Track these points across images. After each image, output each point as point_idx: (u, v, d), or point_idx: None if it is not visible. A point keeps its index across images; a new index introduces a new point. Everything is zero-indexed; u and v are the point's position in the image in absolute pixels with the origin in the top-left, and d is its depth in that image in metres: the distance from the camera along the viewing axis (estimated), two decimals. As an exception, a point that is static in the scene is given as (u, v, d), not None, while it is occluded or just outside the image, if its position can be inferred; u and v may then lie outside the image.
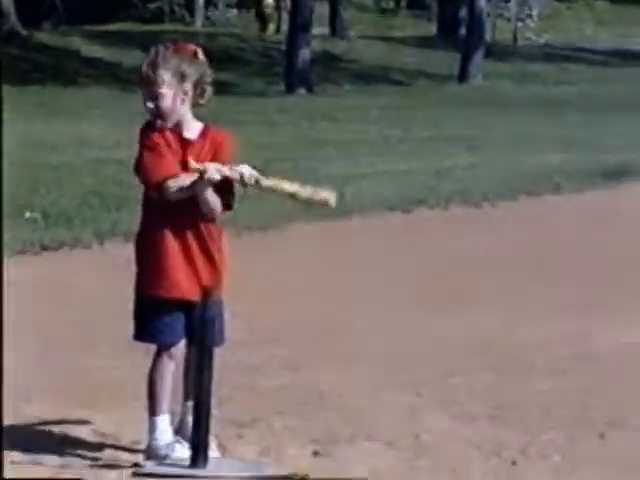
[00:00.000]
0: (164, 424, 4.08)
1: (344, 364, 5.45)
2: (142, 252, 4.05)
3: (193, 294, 4.02)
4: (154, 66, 3.95)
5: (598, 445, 4.43)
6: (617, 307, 6.70)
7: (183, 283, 4.00)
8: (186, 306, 4.03)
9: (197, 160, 3.97)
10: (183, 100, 3.98)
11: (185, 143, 4.02)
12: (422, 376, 5.27)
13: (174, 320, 4.03)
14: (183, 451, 4.04)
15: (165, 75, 3.95)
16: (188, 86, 3.98)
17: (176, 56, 3.98)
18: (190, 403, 4.12)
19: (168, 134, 4.01)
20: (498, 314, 6.48)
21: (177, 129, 4.01)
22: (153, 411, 4.08)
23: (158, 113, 3.98)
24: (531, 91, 22.82)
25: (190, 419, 4.09)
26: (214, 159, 3.99)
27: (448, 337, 5.97)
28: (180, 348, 4.08)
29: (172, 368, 4.07)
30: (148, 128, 4.01)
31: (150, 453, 4.07)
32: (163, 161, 3.96)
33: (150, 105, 3.97)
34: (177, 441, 4.09)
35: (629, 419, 4.73)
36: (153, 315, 4.02)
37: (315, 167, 11.98)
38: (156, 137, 3.99)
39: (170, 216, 4.00)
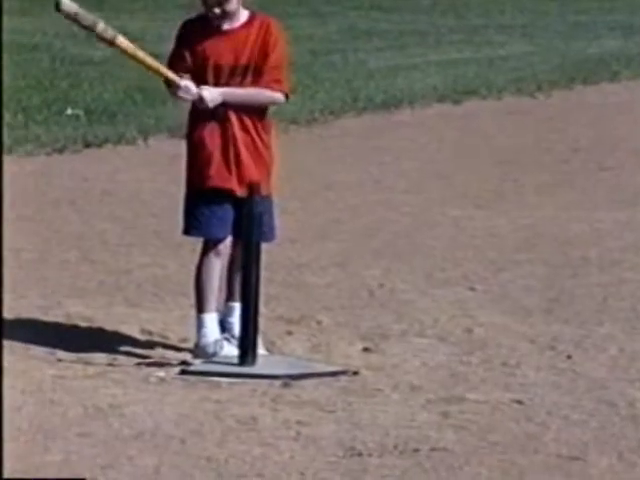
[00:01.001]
0: (212, 322, 4.04)
1: (393, 260, 5.36)
2: (189, 147, 4.04)
3: (237, 186, 3.96)
4: None
5: (655, 339, 4.32)
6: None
7: (226, 174, 3.95)
8: (233, 202, 3.97)
9: (237, 48, 3.91)
10: None
11: (223, 34, 3.95)
12: (473, 271, 5.17)
13: (221, 214, 3.99)
14: (231, 349, 4.00)
15: None
16: None
17: None
18: (233, 304, 4.07)
19: (203, 27, 3.97)
20: (548, 207, 6.35)
21: (220, 21, 3.94)
22: (200, 308, 4.04)
23: (224, 16, 3.93)
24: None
25: (232, 319, 4.05)
26: (262, 45, 3.93)
27: (498, 231, 5.85)
28: (227, 245, 4.02)
29: (219, 265, 4.03)
30: (184, 23, 4.00)
31: (198, 351, 4.04)
32: (173, 58, 3.99)
33: (217, 10, 3.91)
34: (225, 338, 4.05)
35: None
36: (200, 208, 3.98)
37: (364, 59, 11.76)
38: (183, 31, 3.99)
39: (212, 112, 3.95)
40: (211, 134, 3.95)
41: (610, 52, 12.01)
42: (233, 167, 3.96)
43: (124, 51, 3.91)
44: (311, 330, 4.39)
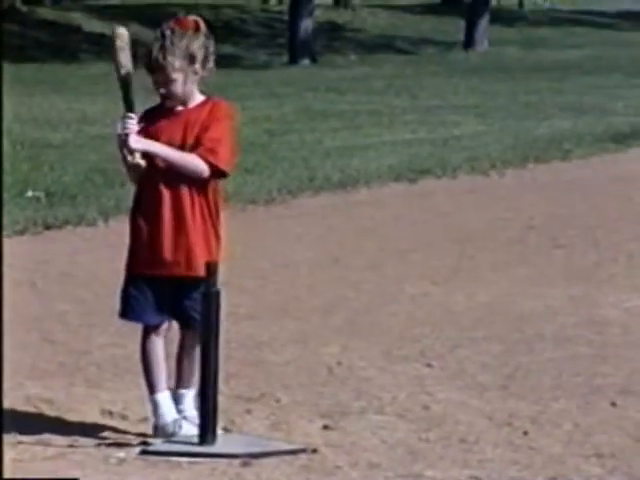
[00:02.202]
0: (166, 401, 4.05)
1: (351, 337, 5.41)
2: (132, 229, 4.06)
3: (184, 269, 3.97)
4: (164, 52, 3.93)
5: (610, 413, 4.39)
6: (621, 273, 6.65)
7: (173, 259, 3.97)
8: (176, 284, 3.99)
9: (187, 127, 3.96)
10: (193, 80, 3.99)
11: (175, 114, 4.01)
12: (430, 347, 5.23)
13: (158, 300, 4.00)
14: (190, 428, 4.01)
15: (176, 61, 3.94)
16: (197, 66, 3.98)
17: (183, 37, 3.95)
18: (182, 391, 4.09)
19: (160, 111, 4.03)
20: (504, 284, 6.44)
21: (173, 103, 4.01)
22: (152, 389, 4.06)
23: (170, 97, 4.00)
24: (538, 56, 22.69)
25: (182, 407, 4.06)
26: (205, 121, 3.96)
27: (454, 308, 5.93)
28: (166, 326, 4.05)
29: (162, 343, 4.06)
30: (145, 111, 4.05)
31: (157, 431, 4.05)
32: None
33: (162, 91, 3.98)
34: (184, 417, 4.06)
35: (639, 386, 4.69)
36: (135, 293, 4.01)
37: (320, 139, 11.92)
38: (143, 117, 4.02)
39: (145, 193, 4.00)
40: (155, 216, 3.95)
41: (561, 132, 12.26)
42: (181, 250, 3.96)
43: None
44: (270, 408, 4.41)
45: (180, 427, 4.03)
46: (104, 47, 24.21)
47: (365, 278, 6.60)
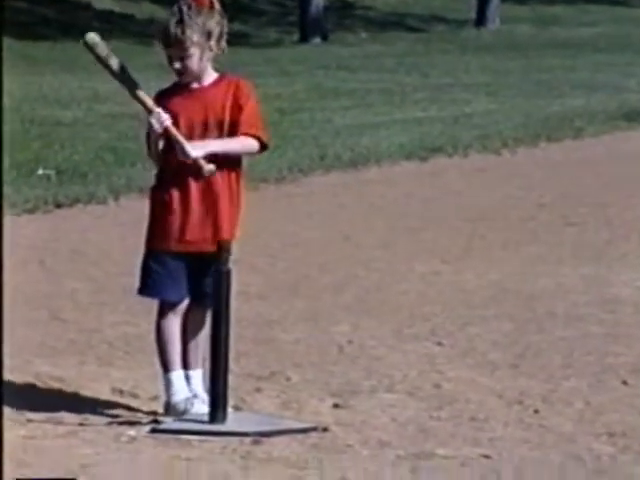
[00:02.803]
0: (179, 380, 4.05)
1: (362, 316, 5.41)
2: (150, 206, 4.05)
3: (211, 245, 3.97)
4: (183, 26, 3.92)
5: (621, 391, 4.38)
6: (633, 251, 6.63)
7: (204, 236, 3.97)
8: (196, 260, 3.99)
9: (207, 106, 3.95)
10: (208, 57, 3.99)
11: (192, 92, 3.99)
12: (441, 326, 5.22)
13: (178, 276, 4.00)
14: (201, 406, 4.02)
15: (194, 35, 3.93)
16: (213, 43, 3.98)
17: (200, 13, 3.95)
18: (189, 372, 4.08)
19: (174, 90, 4.01)
20: (515, 262, 6.43)
21: (187, 79, 4.00)
22: (166, 368, 4.06)
23: (185, 72, 3.98)
24: (550, 34, 22.58)
25: (190, 387, 4.06)
26: (234, 100, 3.97)
27: (465, 286, 5.92)
28: (185, 304, 4.04)
29: (178, 322, 4.05)
30: (158, 93, 4.02)
31: (168, 409, 4.05)
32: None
33: (177, 65, 3.96)
34: (194, 396, 4.07)
35: (652, 365, 4.67)
36: (157, 269, 3.99)
37: (331, 117, 11.90)
38: (155, 99, 4.00)
39: (174, 170, 3.97)
40: (184, 193, 3.94)
41: (573, 110, 12.21)
42: (209, 226, 3.96)
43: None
44: (281, 387, 4.41)
45: (192, 405, 4.03)
46: (115, 25, 24.25)
47: (376, 256, 6.59)
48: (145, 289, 4.06)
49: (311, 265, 6.40)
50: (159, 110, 3.94)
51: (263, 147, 4.01)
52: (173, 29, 3.91)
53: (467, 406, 4.19)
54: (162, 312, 4.06)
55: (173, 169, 3.98)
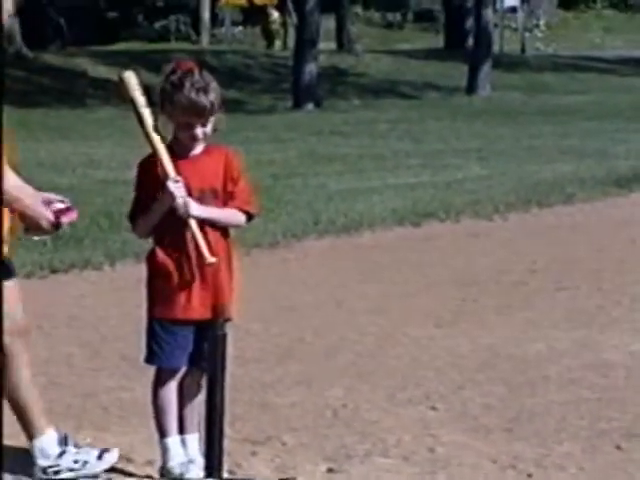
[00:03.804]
0: (175, 445, 4.07)
1: (356, 380, 5.43)
2: (150, 274, 4.07)
3: (209, 312, 4.01)
4: (209, 94, 3.96)
5: (615, 456, 4.40)
6: (624, 316, 6.67)
7: (203, 303, 4.00)
8: (196, 327, 4.03)
9: (202, 175, 4.00)
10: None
11: (185, 159, 4.04)
12: (435, 390, 5.25)
13: (185, 344, 4.03)
14: (197, 471, 4.03)
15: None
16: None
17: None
18: (188, 436, 4.09)
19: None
20: (508, 327, 6.46)
21: (184, 148, 4.05)
22: (163, 433, 4.07)
23: (198, 139, 4.00)
24: (540, 101, 22.80)
25: (188, 452, 4.07)
26: (227, 171, 4.03)
27: (459, 351, 5.95)
28: (183, 370, 4.07)
29: (175, 387, 4.07)
30: (141, 163, 4.07)
31: (164, 474, 4.07)
32: (138, 199, 4.04)
33: (199, 132, 3.97)
34: (190, 461, 4.08)
35: (645, 429, 4.69)
36: (166, 338, 4.02)
37: (325, 182, 11.98)
38: (141, 170, 4.05)
39: (171, 237, 4.01)
40: (182, 259, 3.99)
41: (563, 175, 12.31)
42: (209, 294, 4.00)
43: (146, 135, 3.98)
44: (276, 451, 4.42)
45: (187, 470, 4.04)
46: (109, 92, 24.48)
47: (369, 321, 6.63)
48: (154, 358, 4.06)
49: (305, 329, 6.43)
50: (179, 180, 3.97)
51: (250, 219, 4.10)
52: (203, 98, 3.93)
53: (461, 470, 4.21)
54: (160, 378, 4.08)
55: (172, 237, 4.01)
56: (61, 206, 3.92)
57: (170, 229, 4.01)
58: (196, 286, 4.00)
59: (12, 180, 3.87)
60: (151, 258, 4.06)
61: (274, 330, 6.42)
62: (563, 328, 6.42)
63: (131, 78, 4.03)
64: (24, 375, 4.03)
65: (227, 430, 4.03)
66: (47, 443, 4.07)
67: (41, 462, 4.08)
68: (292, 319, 6.71)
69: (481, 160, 13.81)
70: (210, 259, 3.95)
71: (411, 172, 12.86)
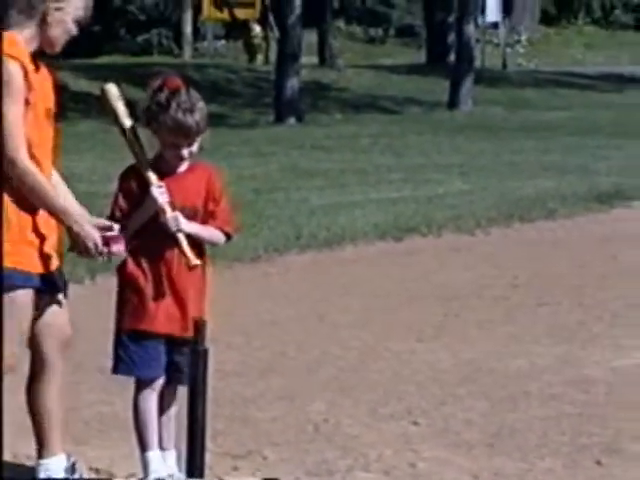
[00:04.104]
0: (156, 458, 4.05)
1: (338, 394, 5.42)
2: (125, 284, 4.08)
3: (180, 329, 4.01)
4: (202, 115, 3.96)
5: (596, 472, 4.41)
6: (605, 332, 6.69)
7: (171, 317, 4.00)
8: (168, 342, 4.02)
9: (185, 192, 4.01)
10: None
11: (170, 177, 4.04)
12: (417, 405, 5.24)
13: (156, 355, 4.03)
14: (175, 486, 4.02)
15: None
16: None
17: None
18: (166, 452, 4.08)
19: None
20: (489, 342, 6.47)
21: (169, 165, 4.05)
22: (144, 447, 4.06)
23: (184, 159, 4.01)
24: (522, 117, 22.89)
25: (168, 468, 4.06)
26: (209, 190, 4.04)
27: (440, 365, 5.95)
28: (161, 382, 4.06)
29: (155, 400, 4.06)
30: (125, 172, 4.07)
31: (145, 487, 4.05)
32: (116, 206, 4.06)
33: (185, 153, 3.98)
34: (171, 476, 4.07)
35: (625, 445, 4.71)
36: (133, 349, 4.02)
37: (306, 197, 11.98)
38: (126, 180, 4.06)
39: (144, 249, 4.01)
40: (153, 272, 3.99)
41: (545, 191, 12.35)
42: (177, 308, 4.01)
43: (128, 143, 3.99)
44: (257, 465, 4.41)
45: (168, 484, 4.03)
46: (90, 105, 24.44)
47: (351, 335, 6.63)
48: (122, 367, 4.07)
49: (287, 343, 6.42)
50: (163, 186, 3.98)
51: (228, 239, 4.12)
52: (189, 119, 3.92)
53: (443, 485, 4.20)
54: (140, 390, 4.07)
55: (144, 247, 4.01)
56: (112, 234, 3.89)
57: (144, 241, 4.01)
58: (165, 300, 4.00)
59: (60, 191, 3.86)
60: (122, 269, 4.07)
61: (256, 344, 6.40)
62: (544, 343, 6.43)
63: (112, 89, 4.03)
64: (53, 390, 4.00)
65: (208, 444, 4.01)
66: (54, 466, 4.03)
67: None
68: (274, 333, 6.70)
69: (463, 175, 13.84)
70: (195, 261, 3.96)
71: (393, 187, 12.88)
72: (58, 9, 3.85)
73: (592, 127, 20.15)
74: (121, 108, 4.00)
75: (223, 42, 33.76)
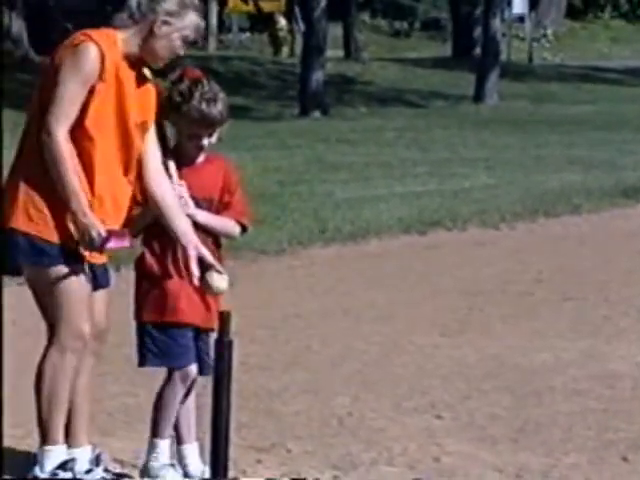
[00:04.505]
0: (164, 447, 4.07)
1: (362, 388, 5.42)
2: (136, 278, 4.07)
3: (209, 320, 4.02)
4: (217, 104, 3.94)
5: (622, 468, 4.39)
6: (631, 327, 6.66)
7: (199, 308, 4.01)
8: (195, 332, 4.03)
9: (204, 183, 4.02)
10: None
11: (189, 168, 4.05)
12: (441, 399, 5.24)
13: (185, 342, 4.03)
14: (176, 477, 4.03)
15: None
16: None
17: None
18: (187, 445, 4.08)
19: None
20: (514, 337, 6.45)
21: (188, 157, 4.05)
22: (156, 433, 4.07)
23: (203, 149, 4.01)
24: (547, 111, 22.79)
25: (187, 461, 4.06)
26: (226, 182, 4.04)
27: (464, 360, 5.93)
28: (193, 375, 4.06)
29: (181, 394, 4.06)
30: None
31: (144, 471, 4.07)
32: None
33: (205, 142, 3.98)
34: (172, 465, 4.07)
35: (652, 441, 4.68)
36: (162, 338, 4.02)
37: (331, 190, 11.97)
38: None
39: (160, 242, 4.00)
40: (171, 263, 3.98)
41: (570, 186, 12.29)
42: (198, 298, 4.00)
43: None
44: (281, 458, 4.42)
45: (167, 472, 4.04)
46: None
47: (375, 329, 6.62)
48: (148, 360, 4.07)
49: (311, 337, 6.42)
50: (183, 184, 3.96)
51: (244, 231, 4.10)
52: (213, 109, 3.91)
53: (467, 480, 4.19)
54: (172, 379, 4.06)
55: (162, 241, 3.98)
56: (116, 229, 3.87)
57: (159, 233, 3.99)
58: (186, 290, 3.99)
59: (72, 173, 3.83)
60: (139, 262, 4.06)
61: (280, 337, 6.41)
62: (569, 338, 6.40)
63: None
64: (82, 381, 4.02)
65: (233, 437, 4.02)
66: (80, 457, 4.04)
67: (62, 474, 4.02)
68: (298, 327, 6.70)
69: (488, 169, 13.79)
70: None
71: (418, 180, 12.85)
72: (167, 23, 3.82)
73: (618, 121, 20.03)
74: None
75: (248, 34, 33.75)
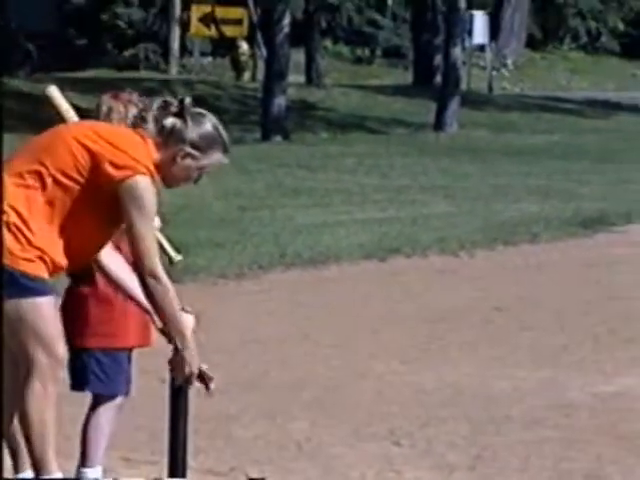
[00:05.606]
0: (98, 476, 4.05)
1: (321, 413, 5.41)
2: (84, 305, 4.02)
3: (140, 340, 4.04)
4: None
5: (577, 496, 4.40)
6: (588, 357, 6.70)
7: (146, 330, 4.01)
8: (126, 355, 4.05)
9: None
10: None
11: None
12: (399, 426, 5.23)
13: (128, 369, 4.05)
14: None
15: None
16: None
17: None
18: (84, 469, 4.06)
19: None
20: (472, 364, 6.47)
21: None
22: (91, 462, 4.04)
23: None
24: (507, 140, 22.96)
25: None
26: None
27: (423, 387, 5.94)
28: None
29: (116, 420, 4.06)
30: None
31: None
32: None
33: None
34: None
35: (606, 471, 4.71)
36: (112, 365, 4.02)
37: (292, 215, 11.98)
38: None
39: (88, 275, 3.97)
40: (113, 290, 3.96)
41: (529, 215, 12.37)
42: (141, 318, 3.99)
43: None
44: (239, 484, 4.39)
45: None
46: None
47: (334, 355, 6.61)
48: (100, 386, 4.04)
49: (270, 362, 6.40)
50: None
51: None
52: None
53: (425, 507, 4.19)
54: (103, 405, 4.04)
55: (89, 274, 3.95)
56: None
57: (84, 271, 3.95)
58: (132, 313, 3.98)
59: None
60: (78, 291, 4.02)
61: (238, 361, 6.39)
62: (528, 367, 6.43)
63: (54, 92, 4.07)
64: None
65: (190, 461, 4.00)
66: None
67: None
68: (256, 351, 6.68)
69: (447, 197, 13.86)
70: (177, 257, 3.96)
71: (378, 207, 12.89)
72: (192, 157, 3.74)
73: (577, 152, 20.23)
74: (67, 108, 4.04)
75: (210, 59, 33.77)
